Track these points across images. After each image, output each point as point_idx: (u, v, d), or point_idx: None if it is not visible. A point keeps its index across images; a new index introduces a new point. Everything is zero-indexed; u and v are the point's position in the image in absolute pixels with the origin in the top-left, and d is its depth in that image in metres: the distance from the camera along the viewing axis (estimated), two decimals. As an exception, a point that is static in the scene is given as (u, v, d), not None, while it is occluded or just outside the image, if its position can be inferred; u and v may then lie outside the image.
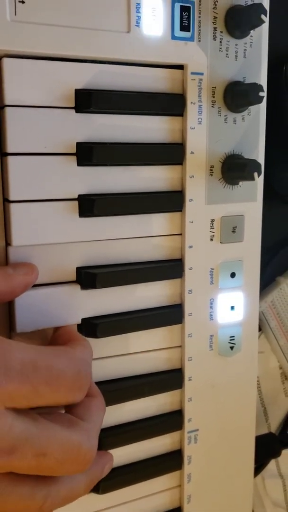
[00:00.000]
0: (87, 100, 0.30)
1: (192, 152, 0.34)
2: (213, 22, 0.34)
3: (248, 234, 0.38)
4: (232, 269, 0.37)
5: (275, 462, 0.49)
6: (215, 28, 0.34)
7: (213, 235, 0.36)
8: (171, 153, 0.34)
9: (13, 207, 0.30)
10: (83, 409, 0.28)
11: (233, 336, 0.38)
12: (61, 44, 0.29)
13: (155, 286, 0.35)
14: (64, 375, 0.25)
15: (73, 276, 0.32)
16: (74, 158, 0.31)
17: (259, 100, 0.33)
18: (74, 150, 0.31)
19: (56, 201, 0.31)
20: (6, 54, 0.29)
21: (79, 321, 0.33)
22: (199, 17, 0.33)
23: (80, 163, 0.31)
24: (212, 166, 0.35)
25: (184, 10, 0.33)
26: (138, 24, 0.31)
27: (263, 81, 0.36)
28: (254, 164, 0.34)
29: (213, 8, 0.33)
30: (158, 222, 0.35)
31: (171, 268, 0.35)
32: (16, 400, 0.23)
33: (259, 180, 0.37)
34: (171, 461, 0.38)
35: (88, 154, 0.31)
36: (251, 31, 0.35)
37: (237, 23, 0.34)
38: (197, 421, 0.38)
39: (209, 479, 0.39)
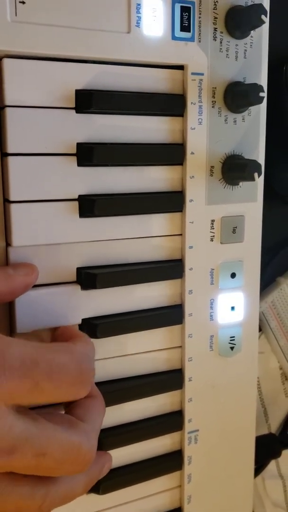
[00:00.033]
0: (88, 101, 0.30)
1: (192, 153, 0.34)
2: (213, 23, 0.34)
3: (249, 235, 0.37)
4: (233, 270, 0.37)
5: (275, 462, 0.49)
6: (215, 29, 0.34)
7: (213, 236, 0.36)
8: (171, 153, 0.34)
9: (13, 207, 0.30)
10: (83, 410, 0.28)
11: (233, 337, 0.38)
12: (61, 44, 0.29)
13: (155, 287, 0.35)
14: (66, 370, 0.24)
15: (73, 277, 0.32)
16: (74, 158, 0.31)
17: (260, 100, 0.33)
18: (74, 151, 0.31)
19: (56, 202, 0.31)
20: (6, 54, 0.29)
21: (79, 322, 0.33)
22: (199, 17, 0.33)
23: (80, 163, 0.31)
24: (212, 167, 0.35)
25: (184, 10, 0.33)
26: (138, 24, 0.31)
27: (263, 81, 0.36)
28: (254, 165, 0.34)
29: (213, 9, 0.33)
30: (158, 223, 0.35)
31: (171, 268, 0.35)
32: (17, 398, 0.23)
33: (259, 181, 0.37)
34: (171, 461, 0.38)
35: (89, 154, 0.31)
36: (252, 32, 0.35)
37: (238, 23, 0.34)
38: (197, 422, 0.38)
39: (210, 479, 0.39)
